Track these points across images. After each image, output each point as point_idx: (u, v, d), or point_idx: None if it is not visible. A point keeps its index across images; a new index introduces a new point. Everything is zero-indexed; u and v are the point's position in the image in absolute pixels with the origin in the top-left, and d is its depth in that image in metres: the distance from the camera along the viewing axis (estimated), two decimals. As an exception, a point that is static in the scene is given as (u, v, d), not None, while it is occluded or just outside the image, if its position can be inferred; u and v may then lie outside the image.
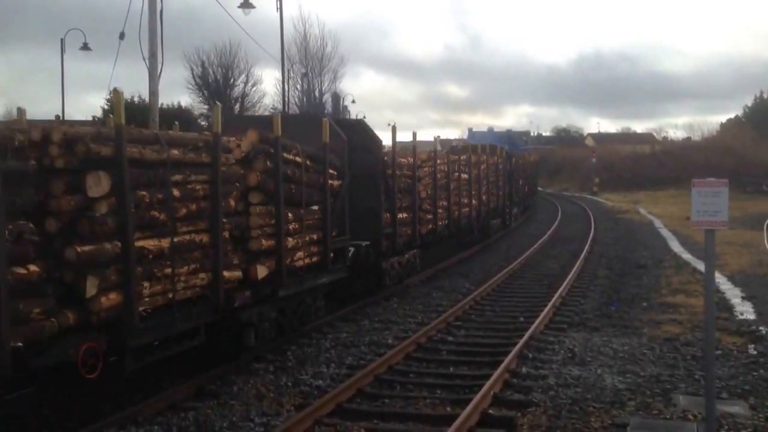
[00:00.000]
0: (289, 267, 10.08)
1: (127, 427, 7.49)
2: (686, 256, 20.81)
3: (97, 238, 6.88)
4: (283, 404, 8.36)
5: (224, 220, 8.65)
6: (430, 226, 17.90)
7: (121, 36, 13.50)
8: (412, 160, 16.63)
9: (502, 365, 9.37)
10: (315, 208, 11.06)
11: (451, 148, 25.45)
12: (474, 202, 22.64)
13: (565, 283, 16.02)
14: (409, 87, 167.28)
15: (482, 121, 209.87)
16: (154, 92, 11.48)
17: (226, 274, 8.63)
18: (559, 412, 7.98)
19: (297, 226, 10.35)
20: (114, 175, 6.98)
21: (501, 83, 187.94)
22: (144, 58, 11.44)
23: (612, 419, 7.74)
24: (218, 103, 10.50)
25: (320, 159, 11.21)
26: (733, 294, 14.72)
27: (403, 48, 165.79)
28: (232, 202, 8.99)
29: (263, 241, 9.46)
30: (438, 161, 18.58)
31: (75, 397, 8.11)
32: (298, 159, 10.42)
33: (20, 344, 5.98)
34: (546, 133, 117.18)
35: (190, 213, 8.12)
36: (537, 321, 12.08)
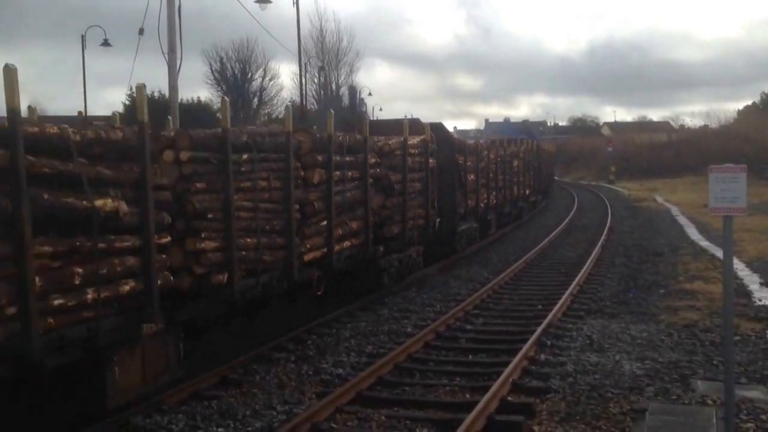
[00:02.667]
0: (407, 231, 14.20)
1: (153, 416, 7.63)
2: (704, 243, 20.72)
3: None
4: (304, 392, 8.48)
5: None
6: (483, 204, 21.81)
7: (141, 32, 13.65)
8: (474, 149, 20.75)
9: (521, 352, 9.43)
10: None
11: (491, 141, 27.74)
12: (515, 187, 27.50)
13: (583, 270, 16.03)
14: (423, 79, 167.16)
15: (497, 112, 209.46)
16: (173, 87, 11.61)
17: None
18: (577, 398, 8.04)
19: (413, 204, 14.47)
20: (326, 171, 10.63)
21: (514, 74, 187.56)
22: (163, 54, 11.58)
23: (631, 405, 7.79)
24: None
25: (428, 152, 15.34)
26: (751, 280, 14.67)
27: (416, 40, 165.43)
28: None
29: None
30: (490, 152, 23.00)
31: (102, 386, 8.24)
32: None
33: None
34: (562, 123, 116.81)
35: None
36: (555, 308, 12.12)
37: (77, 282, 6.29)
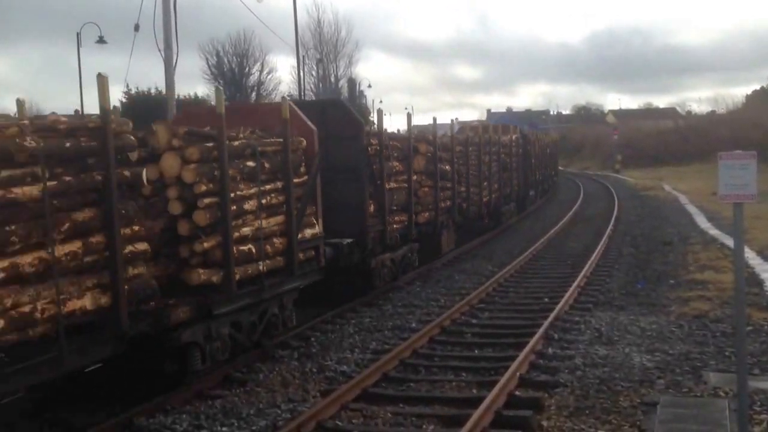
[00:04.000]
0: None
1: (157, 416, 7.54)
2: (713, 231, 20.50)
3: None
4: (308, 390, 8.37)
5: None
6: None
7: (136, 28, 13.52)
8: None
9: (528, 346, 9.29)
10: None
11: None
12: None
13: (590, 262, 15.87)
14: (421, 70, 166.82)
15: (498, 102, 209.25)
16: (170, 84, 11.48)
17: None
18: (586, 392, 7.91)
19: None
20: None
21: (514, 62, 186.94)
22: (159, 50, 11.45)
23: (641, 398, 7.65)
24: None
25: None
26: (762, 269, 14.46)
27: (414, 31, 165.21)
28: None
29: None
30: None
31: (105, 387, 8.17)
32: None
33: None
34: (566, 112, 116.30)
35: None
36: (562, 301, 11.97)
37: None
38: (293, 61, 71.76)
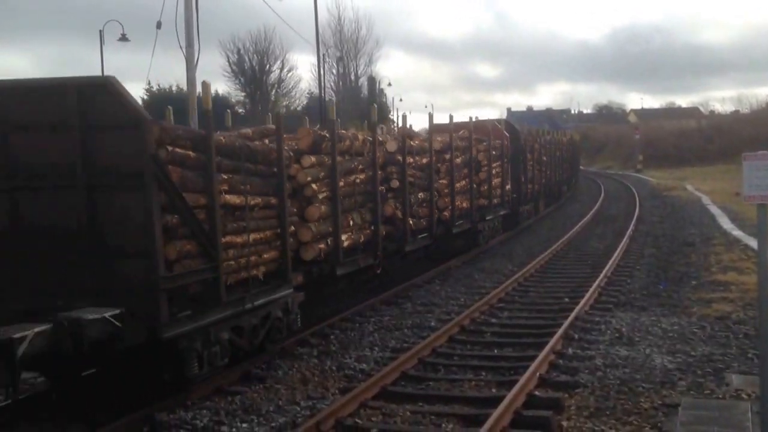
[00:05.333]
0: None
1: (177, 412, 7.60)
2: (737, 232, 20.25)
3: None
4: (327, 388, 8.40)
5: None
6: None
7: (158, 25, 13.59)
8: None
9: (548, 346, 9.25)
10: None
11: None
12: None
13: (611, 262, 15.76)
14: (440, 68, 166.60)
15: (518, 101, 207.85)
16: (191, 81, 11.56)
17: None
18: (607, 392, 7.86)
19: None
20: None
21: (533, 61, 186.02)
22: (181, 47, 11.52)
23: (662, 399, 7.59)
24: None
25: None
26: (786, 270, 14.28)
27: (433, 29, 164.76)
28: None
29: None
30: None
31: (126, 383, 8.25)
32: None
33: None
34: (587, 111, 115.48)
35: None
36: (582, 301, 11.90)
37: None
38: (313, 59, 72.10)
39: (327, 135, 10.63)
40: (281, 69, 55.09)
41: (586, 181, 49.71)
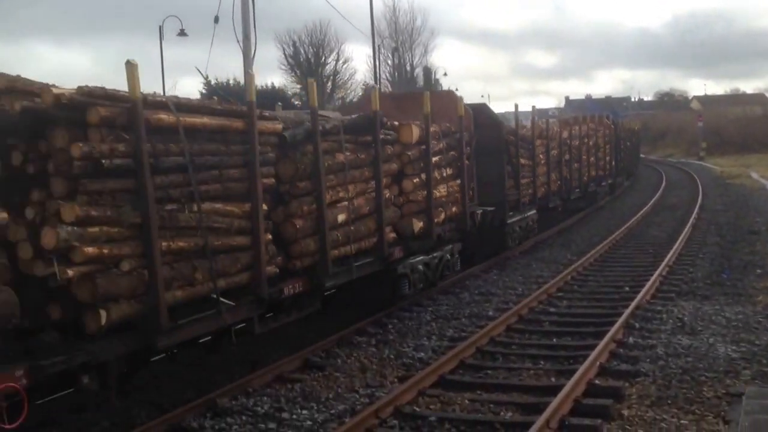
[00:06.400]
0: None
1: (239, 398, 7.78)
2: (805, 220, 19.61)
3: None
4: (386, 376, 8.47)
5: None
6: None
7: (216, 20, 13.85)
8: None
9: (608, 335, 9.14)
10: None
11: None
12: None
13: (672, 250, 15.43)
14: (495, 57, 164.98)
15: (575, 89, 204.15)
16: (248, 73, 11.72)
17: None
18: (669, 381, 7.74)
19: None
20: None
21: (591, 48, 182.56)
22: (238, 41, 11.71)
23: (726, 389, 7.44)
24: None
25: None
26: None
27: (488, 18, 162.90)
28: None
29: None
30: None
31: (191, 370, 8.50)
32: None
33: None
34: (647, 98, 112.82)
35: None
36: (643, 290, 11.71)
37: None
38: (369, 51, 72.23)
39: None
40: (336, 61, 55.47)
41: (647, 170, 48.59)
